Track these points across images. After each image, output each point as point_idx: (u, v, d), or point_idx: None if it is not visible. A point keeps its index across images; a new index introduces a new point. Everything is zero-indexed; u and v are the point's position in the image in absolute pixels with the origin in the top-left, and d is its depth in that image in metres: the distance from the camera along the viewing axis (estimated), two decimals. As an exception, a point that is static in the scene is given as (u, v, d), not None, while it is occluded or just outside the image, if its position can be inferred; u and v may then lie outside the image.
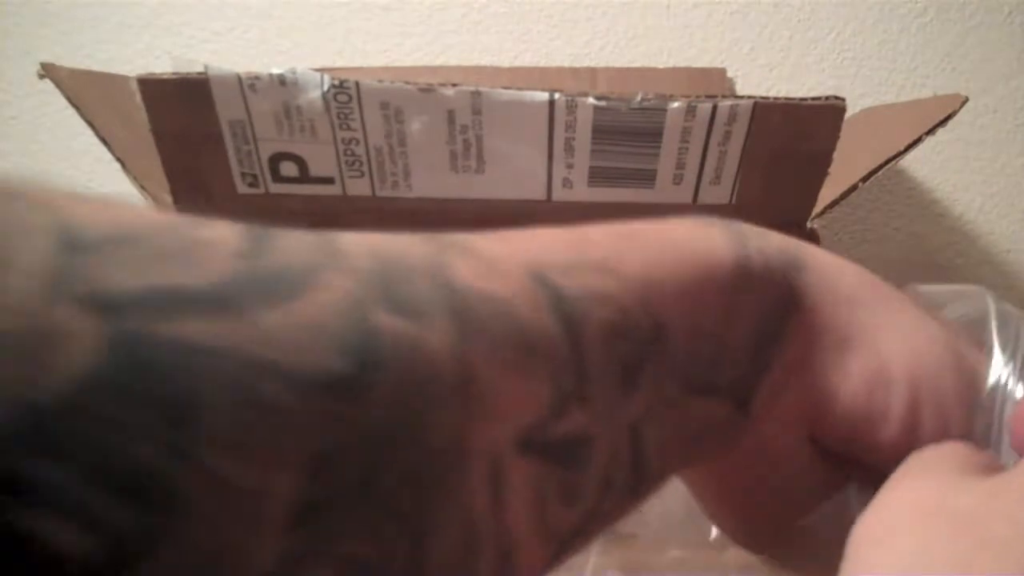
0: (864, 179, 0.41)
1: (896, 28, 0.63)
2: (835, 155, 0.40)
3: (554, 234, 0.17)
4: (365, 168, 0.40)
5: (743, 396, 0.20)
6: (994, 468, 0.17)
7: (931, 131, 0.40)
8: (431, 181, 0.40)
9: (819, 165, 0.40)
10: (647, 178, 0.41)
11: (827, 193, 0.42)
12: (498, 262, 0.15)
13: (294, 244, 0.13)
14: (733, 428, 0.20)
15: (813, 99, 0.39)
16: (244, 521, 0.10)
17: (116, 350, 0.10)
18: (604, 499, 0.17)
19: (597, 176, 0.41)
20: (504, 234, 0.16)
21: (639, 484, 0.18)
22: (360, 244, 0.14)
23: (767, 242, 0.20)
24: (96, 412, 0.09)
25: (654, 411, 0.17)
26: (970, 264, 0.67)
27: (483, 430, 0.13)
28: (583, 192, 0.41)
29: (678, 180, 0.41)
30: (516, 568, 0.15)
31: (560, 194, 0.41)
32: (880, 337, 0.20)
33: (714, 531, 0.41)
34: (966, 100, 0.41)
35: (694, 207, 0.41)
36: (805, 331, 0.20)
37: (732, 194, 0.41)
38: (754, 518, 0.24)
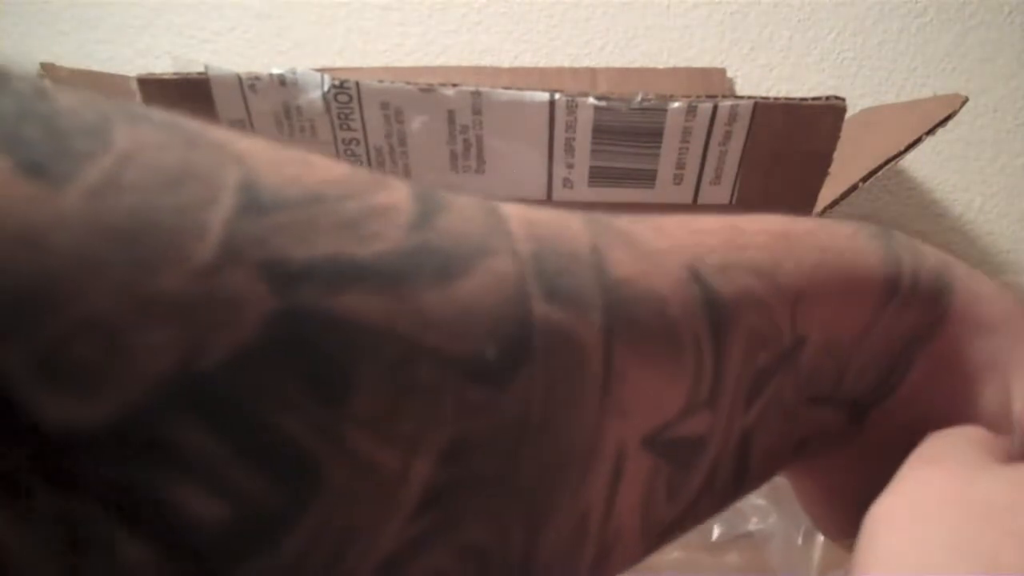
0: (864, 179, 0.41)
1: (896, 28, 0.63)
2: (835, 155, 0.40)
3: (710, 226, 0.16)
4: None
5: (861, 410, 0.19)
6: (1010, 454, 0.17)
7: (931, 131, 0.40)
8: (431, 181, 0.40)
9: (819, 165, 0.40)
10: (647, 178, 0.41)
11: (827, 193, 0.42)
12: (656, 255, 0.14)
13: (464, 217, 0.12)
14: (842, 436, 0.20)
15: (813, 99, 0.39)
16: (378, 502, 0.10)
17: (280, 322, 0.09)
18: (703, 498, 0.16)
19: (597, 176, 0.41)
20: (661, 221, 0.16)
21: (738, 485, 0.17)
22: (522, 221, 0.13)
23: (921, 261, 0.19)
24: (250, 383, 0.09)
25: (767, 417, 0.17)
26: (970, 264, 0.67)
27: (617, 427, 0.13)
28: (583, 192, 0.41)
29: (678, 180, 0.41)
30: (613, 562, 0.15)
31: (560, 194, 0.41)
32: (1013, 374, 0.20)
33: (716, 532, 0.41)
34: (966, 100, 0.41)
35: (694, 207, 0.41)
36: (938, 357, 0.20)
37: (732, 194, 0.41)
38: (852, 514, 0.23)
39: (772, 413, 0.17)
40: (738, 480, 0.17)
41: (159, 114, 0.11)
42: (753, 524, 0.40)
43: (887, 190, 0.66)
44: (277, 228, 0.10)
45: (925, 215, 0.66)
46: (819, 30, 0.63)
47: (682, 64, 0.63)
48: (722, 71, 0.62)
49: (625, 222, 0.15)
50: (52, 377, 0.08)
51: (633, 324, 0.13)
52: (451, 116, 0.38)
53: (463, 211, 0.12)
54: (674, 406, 0.14)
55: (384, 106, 0.38)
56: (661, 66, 0.63)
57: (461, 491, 0.11)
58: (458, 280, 0.11)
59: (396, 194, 0.12)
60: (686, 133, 0.39)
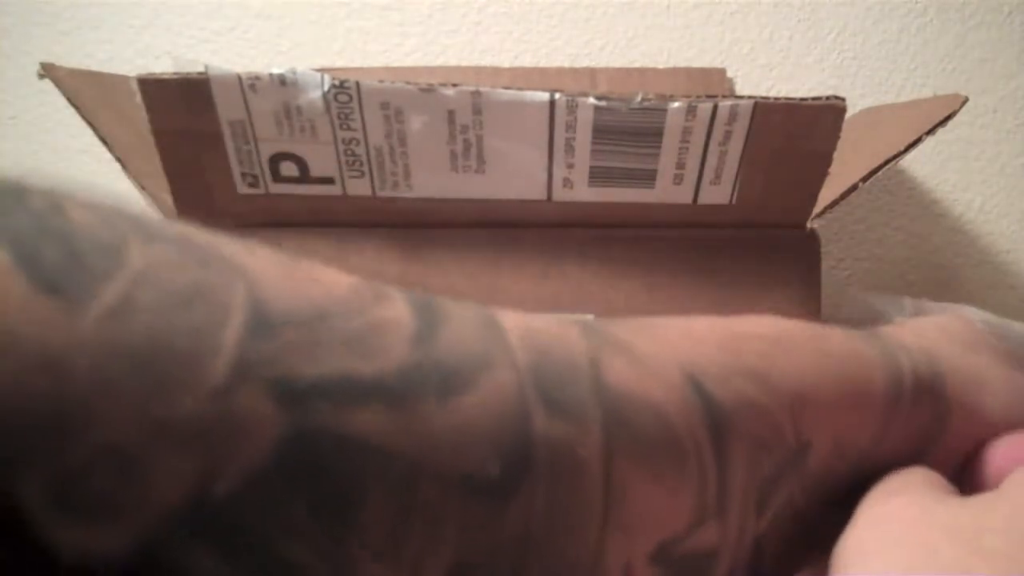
0: (864, 179, 0.41)
1: (896, 28, 0.63)
2: (835, 155, 0.40)
3: (705, 333, 0.16)
4: (365, 168, 0.40)
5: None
6: (958, 493, 0.18)
7: (931, 131, 0.40)
8: (431, 181, 0.40)
9: (819, 165, 0.40)
10: (647, 178, 0.41)
11: (827, 193, 0.42)
12: (653, 363, 0.14)
13: (464, 328, 0.12)
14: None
15: (813, 99, 0.39)
16: None
17: (291, 445, 0.09)
18: None
19: (597, 176, 0.41)
20: (656, 330, 0.16)
21: None
22: (520, 332, 0.13)
23: (912, 357, 0.19)
24: (261, 509, 0.09)
25: (778, 523, 0.17)
26: (970, 264, 0.67)
27: (621, 543, 0.13)
28: (583, 192, 0.41)
29: (678, 180, 0.41)
30: None
31: (560, 194, 0.41)
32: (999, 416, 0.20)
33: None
34: (966, 100, 0.41)
35: (694, 207, 0.41)
36: (949, 440, 0.20)
37: (732, 194, 0.41)
38: None
39: (784, 519, 0.17)
40: None
41: (172, 228, 0.11)
42: None
43: (887, 190, 0.66)
44: (285, 347, 0.10)
45: (925, 215, 0.66)
46: (819, 30, 0.63)
47: (682, 64, 0.63)
48: (722, 71, 0.62)
49: (622, 330, 0.15)
50: (70, 506, 0.08)
51: (633, 438, 0.13)
52: (451, 116, 0.38)
53: (463, 322, 0.12)
54: (681, 520, 0.14)
55: (384, 106, 0.38)
56: (661, 66, 0.63)
57: None
58: (461, 395, 0.11)
59: (398, 307, 0.12)
60: (686, 133, 0.39)
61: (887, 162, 0.40)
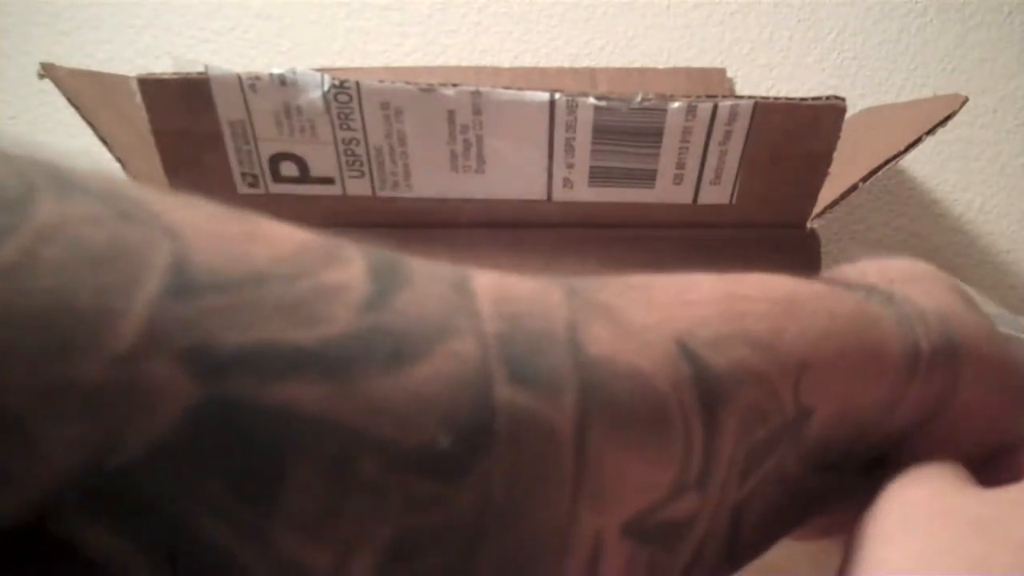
0: (864, 179, 0.41)
1: (896, 28, 0.63)
2: (835, 155, 0.40)
3: (705, 296, 0.15)
4: (365, 168, 0.40)
5: (870, 467, 0.19)
6: (981, 486, 0.18)
7: (931, 131, 0.40)
8: (431, 181, 0.40)
9: (819, 165, 0.40)
10: (647, 178, 0.41)
11: (827, 193, 0.42)
12: (641, 330, 0.14)
13: (426, 294, 0.11)
14: (851, 492, 0.19)
15: (813, 99, 0.39)
16: None
17: (203, 414, 0.09)
18: (688, 573, 0.16)
19: (597, 176, 0.41)
20: (651, 292, 0.15)
21: (729, 556, 0.17)
22: (493, 298, 0.12)
23: (928, 323, 0.18)
24: (168, 481, 0.09)
25: (762, 489, 0.16)
26: (970, 264, 0.67)
27: (594, 515, 0.12)
28: (583, 192, 0.41)
29: (678, 180, 0.41)
30: None
31: (560, 194, 0.41)
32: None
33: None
34: (966, 100, 0.41)
35: (694, 207, 0.41)
36: (953, 416, 0.19)
37: (732, 194, 0.41)
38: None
39: (769, 485, 0.16)
40: (729, 552, 0.16)
41: (96, 181, 0.10)
42: None
43: (887, 190, 0.66)
44: (207, 312, 0.09)
45: (925, 215, 0.66)
46: (819, 30, 0.63)
47: (682, 64, 0.63)
48: (722, 71, 0.62)
49: (611, 294, 0.14)
50: None
51: (612, 406, 0.12)
52: (451, 116, 0.38)
53: (426, 287, 0.12)
54: (658, 491, 0.13)
55: (384, 106, 0.38)
56: (661, 66, 0.63)
57: None
58: (411, 365, 0.11)
59: (352, 269, 0.11)
60: (686, 133, 0.39)
61: (887, 162, 0.40)
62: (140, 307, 0.09)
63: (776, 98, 0.39)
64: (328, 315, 0.10)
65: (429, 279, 0.12)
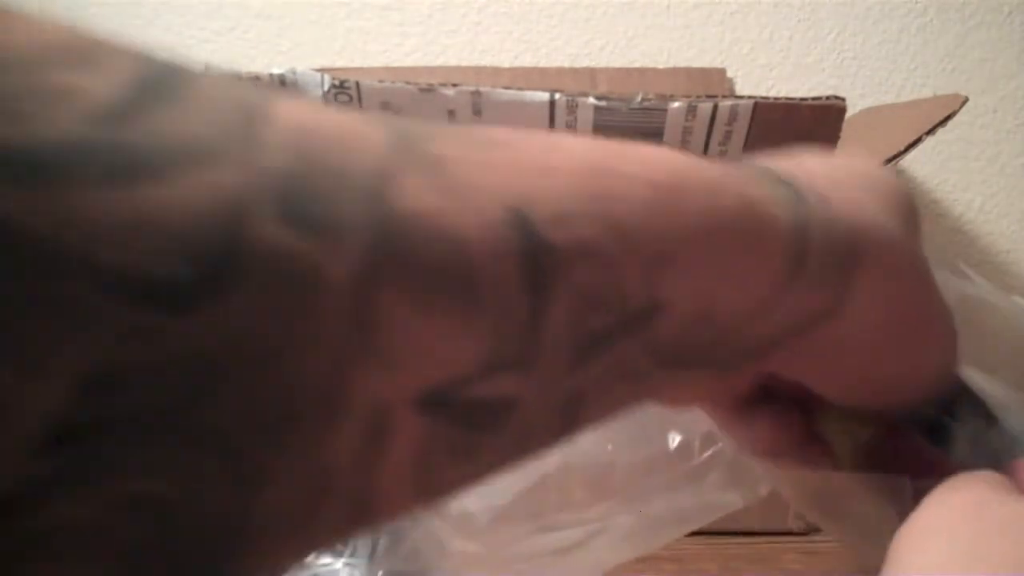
0: (864, 179, 0.41)
1: (896, 28, 0.63)
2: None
3: (571, 165, 0.14)
4: (365, 168, 0.40)
5: (732, 368, 0.18)
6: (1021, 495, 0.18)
7: (931, 131, 0.40)
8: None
9: (819, 165, 0.40)
10: (647, 178, 0.41)
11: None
12: (471, 192, 0.12)
13: (198, 114, 0.10)
14: (702, 385, 0.19)
15: (813, 99, 0.39)
16: None
17: None
18: (513, 454, 0.15)
19: (597, 176, 0.41)
20: (506, 152, 0.13)
21: (562, 436, 0.16)
22: (292, 126, 0.11)
23: (832, 229, 0.17)
24: None
25: (606, 381, 0.15)
26: (970, 264, 0.67)
27: (374, 379, 0.12)
28: (583, 192, 0.41)
29: (678, 180, 0.41)
30: (375, 516, 0.13)
31: (560, 194, 0.41)
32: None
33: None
34: (966, 100, 0.41)
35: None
36: (841, 332, 0.18)
37: (732, 194, 0.41)
38: (748, 419, 0.23)
39: (613, 377, 0.15)
40: (563, 433, 0.16)
41: None
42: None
43: (887, 190, 0.66)
44: None
45: (925, 215, 0.66)
46: (819, 30, 0.63)
47: (682, 64, 0.63)
48: (722, 71, 0.62)
49: (455, 146, 0.13)
50: None
51: (411, 266, 0.11)
52: (451, 116, 0.38)
53: (202, 107, 0.11)
54: (463, 365, 0.12)
55: (384, 106, 0.38)
56: (661, 66, 0.63)
57: (119, 430, 0.10)
58: (147, 186, 0.09)
59: (106, 75, 0.10)
60: (686, 133, 0.39)
61: (887, 162, 0.40)
62: None
63: (776, 98, 0.39)
64: (45, 118, 0.09)
65: (212, 99, 0.11)
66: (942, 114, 0.41)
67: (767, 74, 0.64)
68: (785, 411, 0.22)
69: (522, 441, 0.15)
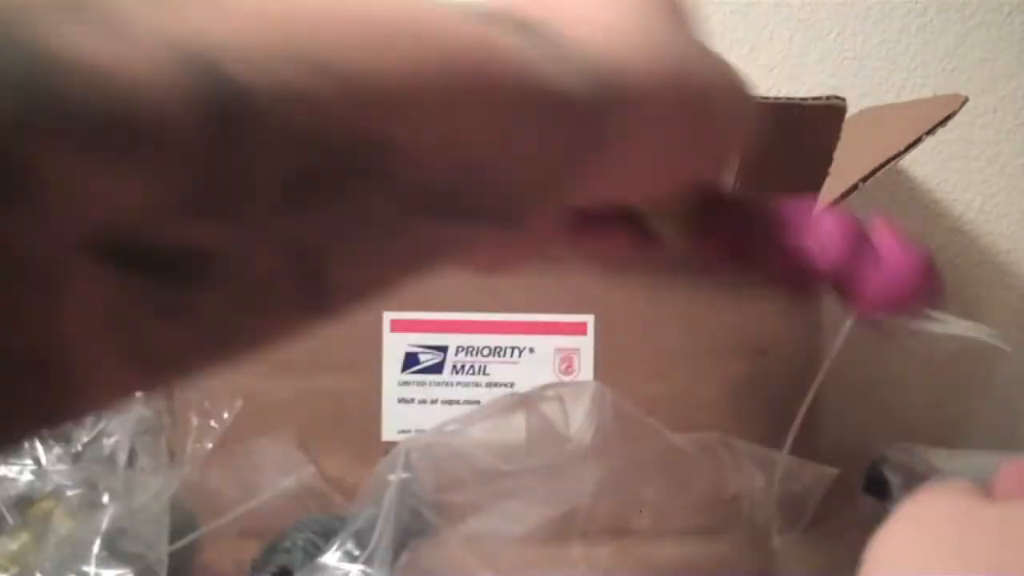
0: (864, 179, 0.41)
1: (896, 28, 0.63)
2: (835, 155, 0.40)
3: (276, 9, 0.14)
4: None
5: (516, 219, 0.18)
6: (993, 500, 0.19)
7: (931, 131, 0.40)
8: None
9: (819, 165, 0.40)
10: (647, 178, 0.41)
11: (827, 193, 0.42)
12: (140, 34, 0.12)
13: None
14: (496, 240, 0.19)
15: (813, 99, 0.39)
16: None
17: None
18: (245, 319, 0.15)
19: (597, 176, 0.41)
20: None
21: (316, 302, 0.15)
22: None
23: (581, 65, 0.17)
24: None
25: (348, 233, 0.15)
26: (970, 264, 0.67)
27: (38, 231, 0.11)
28: (583, 192, 0.41)
29: (678, 180, 0.41)
30: (82, 383, 0.13)
31: (560, 194, 0.41)
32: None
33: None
34: (966, 100, 0.41)
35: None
36: (620, 160, 0.19)
37: (732, 194, 0.41)
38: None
39: (356, 227, 0.15)
40: (313, 294, 0.15)
41: None
42: None
43: (887, 190, 0.66)
44: None
45: (925, 215, 0.66)
46: (819, 30, 0.63)
47: (682, 64, 0.63)
48: (722, 71, 0.62)
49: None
50: None
51: (63, 110, 0.11)
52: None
53: None
54: (139, 209, 0.12)
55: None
56: (661, 66, 0.63)
57: None
58: None
59: None
60: (686, 133, 0.39)
61: (887, 162, 0.40)
62: None
63: (776, 98, 0.39)
64: None
65: None
66: (942, 114, 0.41)
67: (767, 74, 0.64)
68: (615, 227, 0.25)
69: (248, 300, 0.14)
